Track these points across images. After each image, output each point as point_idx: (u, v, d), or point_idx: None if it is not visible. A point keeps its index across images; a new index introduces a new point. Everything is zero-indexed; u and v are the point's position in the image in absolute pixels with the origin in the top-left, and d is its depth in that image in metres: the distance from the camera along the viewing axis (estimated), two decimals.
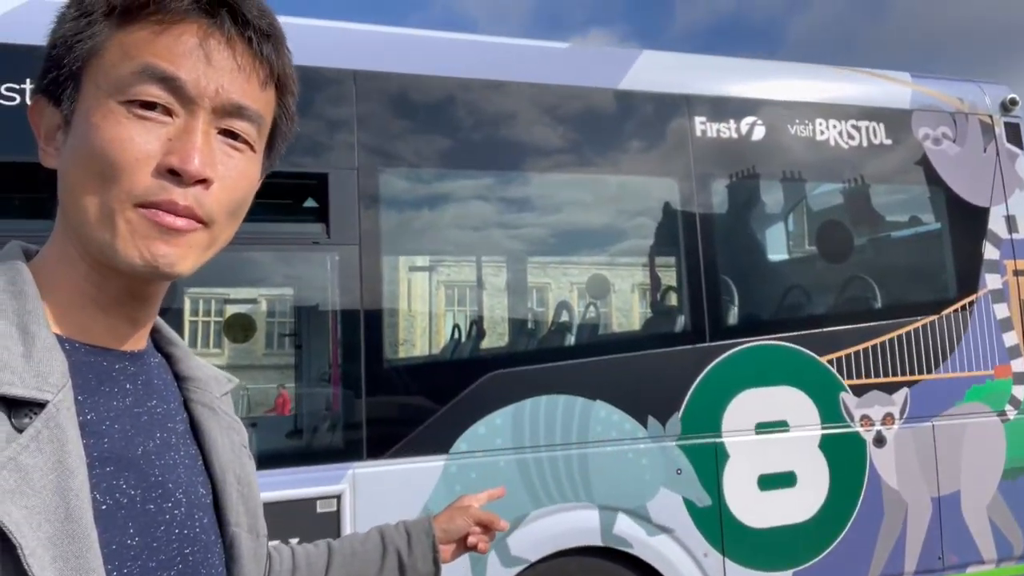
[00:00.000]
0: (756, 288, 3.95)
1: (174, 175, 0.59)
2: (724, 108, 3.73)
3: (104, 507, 0.58)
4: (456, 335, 4.65)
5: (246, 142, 0.65)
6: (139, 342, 0.70)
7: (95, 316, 0.65)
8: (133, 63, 0.59)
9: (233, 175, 0.64)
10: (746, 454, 3.47)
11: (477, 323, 4.31)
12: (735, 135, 3.73)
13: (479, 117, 3.36)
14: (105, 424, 0.62)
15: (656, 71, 3.70)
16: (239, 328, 5.19)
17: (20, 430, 0.54)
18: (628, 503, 3.25)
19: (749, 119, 3.76)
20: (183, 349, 0.78)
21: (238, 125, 0.64)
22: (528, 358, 3.48)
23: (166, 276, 0.62)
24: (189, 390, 0.75)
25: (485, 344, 4.21)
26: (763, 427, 3.52)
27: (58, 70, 0.62)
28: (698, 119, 3.67)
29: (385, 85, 3.20)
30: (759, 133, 3.77)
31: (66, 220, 0.63)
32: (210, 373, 0.80)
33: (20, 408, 0.54)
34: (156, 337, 0.76)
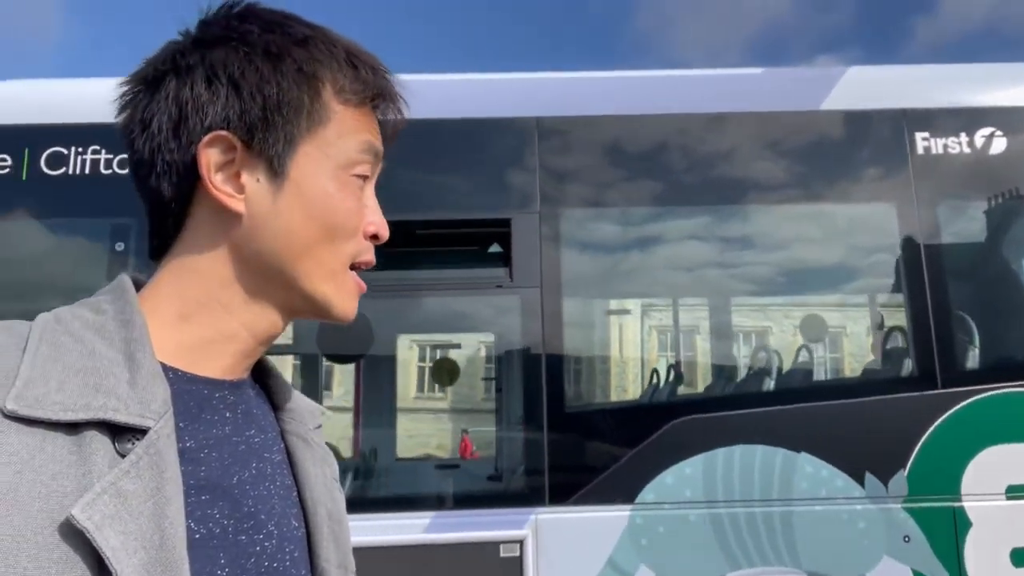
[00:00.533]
0: (1001, 327, 3.36)
1: (373, 239, 0.71)
2: (951, 120, 3.28)
3: (197, 536, 0.59)
4: (642, 378, 4.51)
5: None
6: (242, 373, 0.72)
7: (218, 351, 0.68)
8: (358, 139, 0.69)
9: None
10: (995, 523, 2.94)
11: (664, 367, 4.13)
12: (967, 150, 3.25)
13: (657, 154, 3.27)
14: (204, 452, 0.63)
15: (866, 86, 3.35)
16: (444, 373, 5.37)
17: (123, 455, 0.55)
18: (844, 571, 2.87)
19: (984, 131, 3.26)
20: (280, 379, 0.79)
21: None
22: (721, 404, 3.25)
23: (346, 324, 0.73)
24: (285, 420, 0.77)
25: (672, 388, 4.03)
26: (1017, 491, 2.96)
27: (275, 121, 0.65)
28: (919, 135, 3.26)
29: (564, 128, 3.22)
30: (998, 146, 3.25)
31: (246, 260, 0.66)
32: (304, 404, 0.81)
33: (124, 434, 0.56)
34: (255, 367, 0.78)
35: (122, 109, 0.69)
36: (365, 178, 0.70)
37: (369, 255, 0.71)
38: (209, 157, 0.64)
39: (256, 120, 0.65)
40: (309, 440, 0.77)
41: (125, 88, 0.68)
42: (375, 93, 0.70)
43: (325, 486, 0.76)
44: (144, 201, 0.69)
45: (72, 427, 0.55)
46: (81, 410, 0.55)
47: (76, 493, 0.53)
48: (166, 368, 0.63)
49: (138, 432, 0.57)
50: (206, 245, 0.67)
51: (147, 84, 0.67)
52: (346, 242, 0.68)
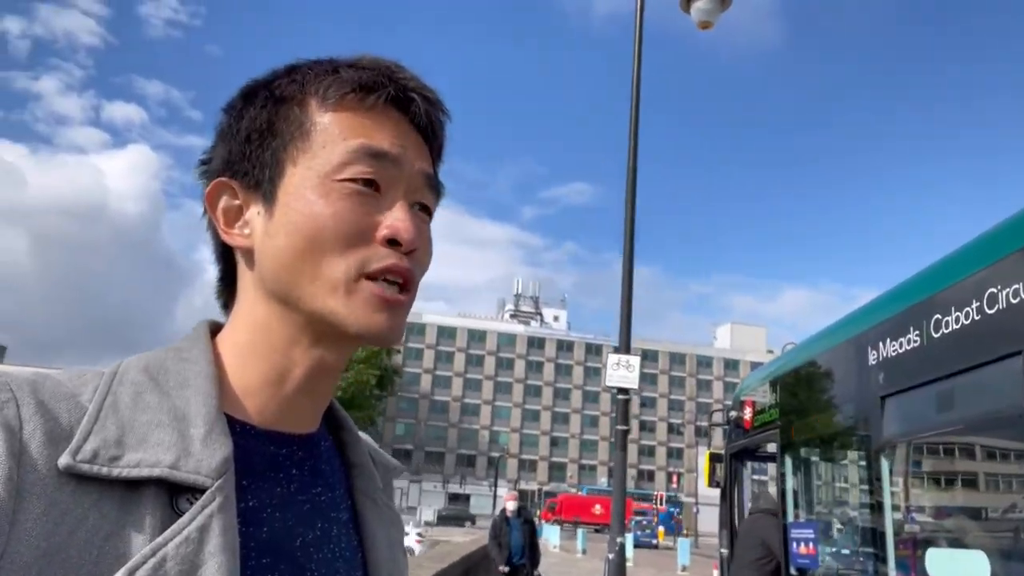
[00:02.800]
0: None
1: (393, 244, 0.63)
2: None
3: None
4: None
5: (430, 212, 0.69)
6: (311, 423, 0.69)
7: (276, 396, 0.65)
8: (346, 144, 0.63)
9: (426, 245, 0.68)
10: None
11: None
12: None
13: None
14: (266, 512, 0.61)
15: None
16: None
17: (180, 514, 0.54)
18: None
19: None
20: (353, 434, 0.77)
21: (427, 197, 0.68)
22: None
23: (387, 344, 0.64)
24: (354, 477, 0.74)
25: None
26: None
27: (256, 152, 0.65)
28: None
29: None
30: None
31: (270, 295, 0.64)
32: (379, 459, 0.79)
33: (183, 492, 0.55)
34: (329, 420, 0.75)
35: None
36: (370, 182, 0.63)
37: (386, 262, 0.63)
38: (216, 208, 0.66)
39: (236, 156, 0.66)
40: (377, 500, 0.75)
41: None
42: (357, 87, 0.64)
43: (390, 548, 0.73)
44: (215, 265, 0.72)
45: (131, 484, 0.54)
46: (137, 467, 0.54)
47: (129, 556, 0.51)
48: (234, 421, 0.62)
49: (197, 491, 0.55)
50: (245, 288, 0.67)
51: (200, 177, 0.71)
52: (346, 251, 0.62)
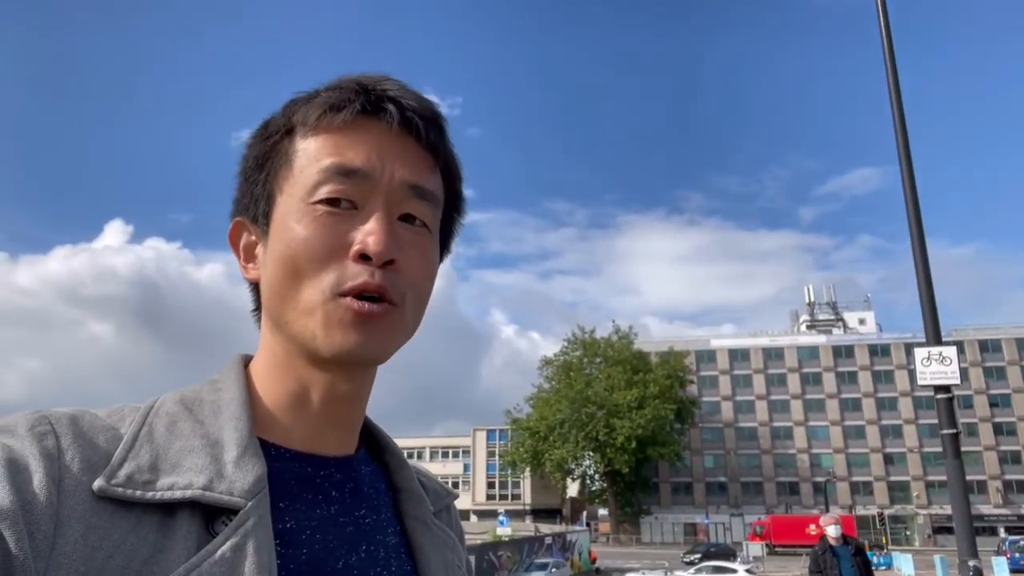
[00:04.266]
0: None
1: (365, 259, 0.62)
2: None
3: None
4: None
5: (424, 224, 0.67)
6: (347, 447, 0.69)
7: (301, 420, 0.66)
8: (318, 165, 0.64)
9: (415, 255, 0.65)
10: None
11: None
12: None
13: None
14: (306, 534, 0.61)
15: None
16: None
17: (215, 535, 0.55)
18: None
19: None
20: (399, 459, 0.76)
21: (414, 206, 0.66)
22: None
23: (365, 362, 0.64)
24: (402, 502, 0.73)
25: None
26: None
27: (252, 189, 0.67)
28: None
29: None
30: None
31: (271, 323, 0.66)
32: (430, 485, 0.78)
33: (217, 514, 0.56)
34: (372, 446, 0.75)
35: None
36: (339, 200, 0.63)
37: (358, 279, 0.61)
38: (237, 246, 0.70)
39: (240, 194, 0.69)
40: (429, 523, 0.73)
41: None
42: (328, 107, 0.64)
43: (447, 571, 0.71)
44: None
45: (167, 507, 0.55)
46: (170, 490, 0.55)
47: None
48: (267, 445, 0.63)
49: (232, 512, 0.56)
50: (263, 318, 0.69)
51: None
52: (319, 274, 0.62)
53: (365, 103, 0.64)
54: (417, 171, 0.66)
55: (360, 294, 0.61)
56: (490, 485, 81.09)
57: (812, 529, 50.97)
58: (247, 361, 0.70)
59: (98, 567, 0.51)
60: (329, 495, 0.65)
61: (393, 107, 0.65)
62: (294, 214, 0.63)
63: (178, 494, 0.55)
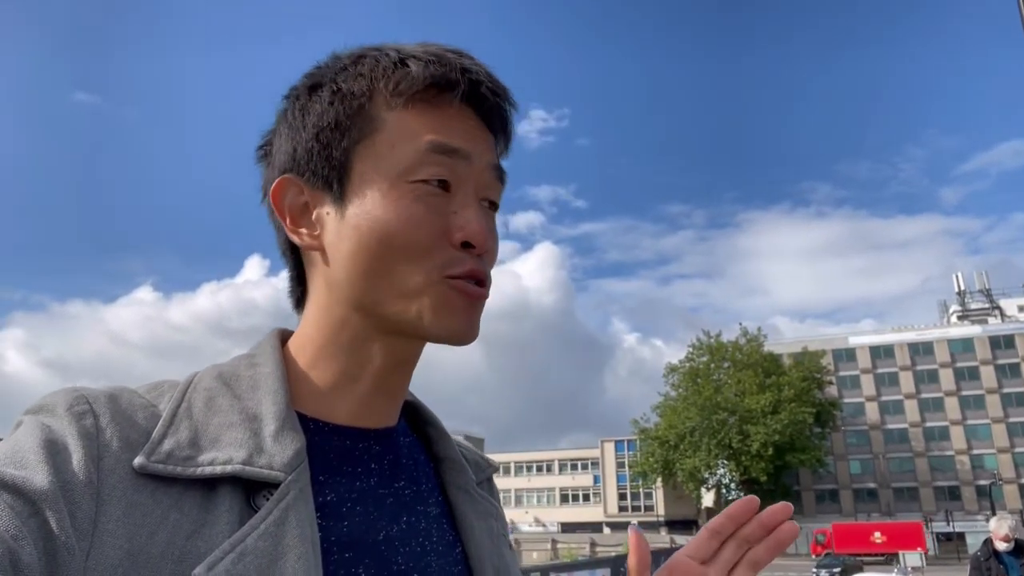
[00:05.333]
0: None
1: (467, 247, 0.63)
2: None
3: None
4: None
5: (496, 206, 0.68)
6: (387, 418, 0.68)
7: (349, 393, 0.65)
8: (417, 143, 0.62)
9: (494, 242, 0.67)
10: None
11: None
12: None
13: None
14: (346, 506, 0.61)
15: None
16: None
17: (257, 510, 0.55)
18: None
19: None
20: (440, 429, 0.75)
21: (494, 190, 0.67)
22: None
23: (467, 343, 0.64)
24: (445, 472, 0.72)
25: None
26: None
27: (324, 151, 0.64)
28: None
29: None
30: None
31: (344, 297, 0.64)
32: (469, 456, 0.77)
33: (258, 488, 0.56)
34: (412, 416, 0.75)
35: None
36: (443, 182, 0.62)
37: (465, 266, 0.62)
38: (282, 205, 0.65)
39: (303, 153, 0.64)
40: (472, 492, 0.72)
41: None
42: (430, 83, 0.62)
43: (492, 540, 0.70)
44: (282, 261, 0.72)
45: (208, 483, 0.55)
46: (210, 465, 0.55)
47: (208, 553, 0.51)
48: (305, 419, 0.63)
49: (272, 487, 0.56)
50: (316, 289, 0.67)
51: (259, 156, 0.71)
52: (421, 256, 0.61)
53: (466, 87, 0.63)
54: (497, 154, 0.68)
55: (464, 279, 0.62)
56: (621, 496, 79.76)
57: (878, 537, 47.12)
58: (284, 336, 0.70)
59: (142, 544, 0.51)
60: (369, 467, 0.65)
61: (487, 92, 0.65)
62: (388, 190, 0.61)
63: (218, 469, 0.55)
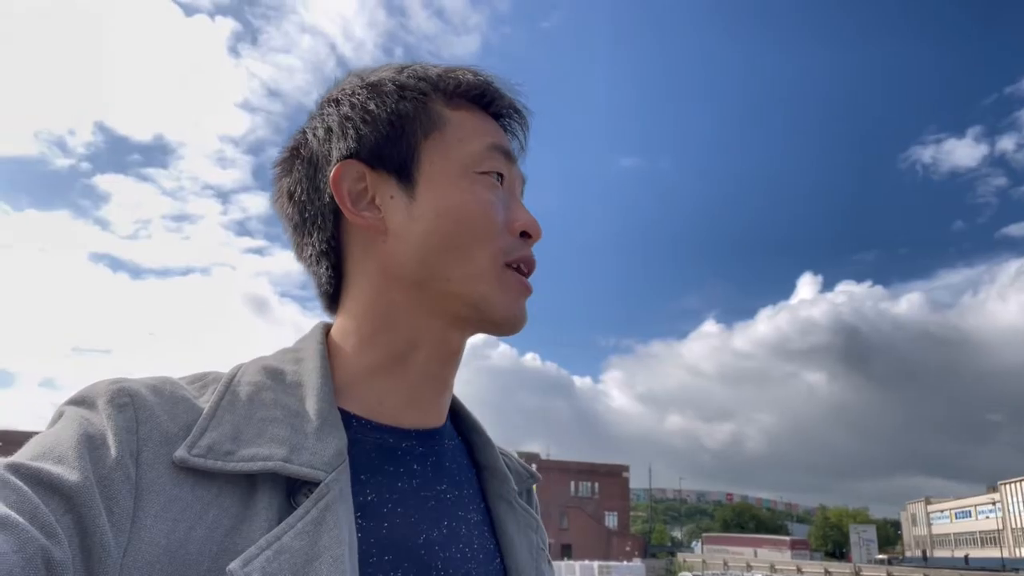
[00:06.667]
0: None
1: (524, 236, 0.68)
2: None
3: None
4: None
5: None
6: (432, 419, 0.69)
7: (396, 386, 0.66)
8: (483, 140, 0.68)
9: None
10: None
11: None
12: None
13: None
14: (387, 507, 0.61)
15: None
16: None
17: (296, 508, 0.54)
18: None
19: None
20: (484, 436, 0.75)
21: (521, 196, 0.74)
22: None
23: (516, 329, 0.68)
24: (487, 480, 0.72)
25: None
26: None
27: (393, 138, 0.66)
28: None
29: None
30: None
31: (399, 278, 0.65)
32: (513, 466, 0.77)
33: (299, 486, 0.55)
34: (456, 421, 0.75)
35: (275, 195, 0.72)
36: (501, 176, 0.68)
37: (523, 252, 0.68)
38: (342, 189, 0.66)
39: (372, 140, 0.66)
40: (513, 503, 0.72)
41: (273, 174, 0.73)
42: (480, 92, 0.70)
43: (530, 553, 0.70)
44: (305, 265, 0.71)
45: (249, 479, 0.55)
46: (251, 461, 0.54)
47: (246, 550, 0.50)
48: (348, 416, 0.63)
49: (312, 485, 0.55)
50: (364, 276, 0.67)
51: (284, 162, 0.71)
52: (492, 239, 0.65)
53: (506, 103, 0.72)
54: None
55: (520, 264, 0.67)
56: None
57: None
58: (327, 329, 0.69)
59: (181, 539, 0.50)
60: (411, 468, 0.64)
61: (516, 109, 0.73)
62: (463, 179, 0.66)
63: (258, 465, 0.54)
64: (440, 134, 0.67)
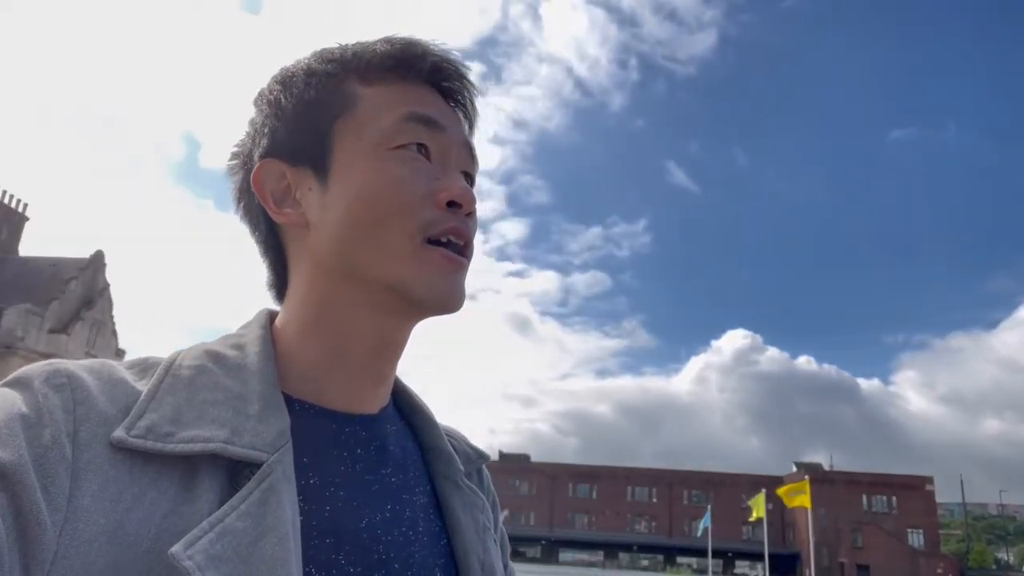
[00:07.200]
0: None
1: (452, 206, 0.64)
2: None
3: None
4: None
5: (472, 180, 0.71)
6: (375, 404, 0.68)
7: (337, 375, 0.65)
8: (396, 112, 0.64)
9: (474, 214, 0.68)
10: None
11: None
12: None
13: None
14: (329, 491, 0.60)
15: None
16: None
17: (238, 489, 0.53)
18: None
19: None
20: (427, 418, 0.74)
21: (471, 166, 0.70)
22: None
23: (454, 308, 0.65)
24: (432, 462, 0.71)
25: None
26: None
27: (303, 130, 0.66)
28: None
29: None
30: None
31: (330, 270, 0.64)
32: (460, 447, 0.75)
33: (240, 468, 0.54)
34: (400, 403, 0.74)
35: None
36: (424, 147, 0.65)
37: (449, 223, 0.63)
38: (264, 189, 0.66)
39: (285, 135, 0.66)
40: (460, 483, 0.71)
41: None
42: (395, 60, 0.67)
43: (478, 533, 0.69)
44: (261, 256, 0.72)
45: (189, 461, 0.54)
46: (191, 442, 0.54)
47: (188, 532, 0.50)
48: (292, 400, 0.62)
49: (254, 466, 0.54)
50: (299, 270, 0.67)
51: (229, 167, 0.72)
52: (405, 216, 0.62)
53: (430, 64, 0.67)
54: (468, 134, 0.70)
55: (448, 236, 0.63)
56: None
57: None
58: (272, 316, 0.69)
59: (118, 519, 0.50)
60: (355, 452, 0.64)
61: (451, 71, 0.68)
62: (371, 158, 0.63)
63: (198, 447, 0.53)
64: (352, 115, 0.65)
